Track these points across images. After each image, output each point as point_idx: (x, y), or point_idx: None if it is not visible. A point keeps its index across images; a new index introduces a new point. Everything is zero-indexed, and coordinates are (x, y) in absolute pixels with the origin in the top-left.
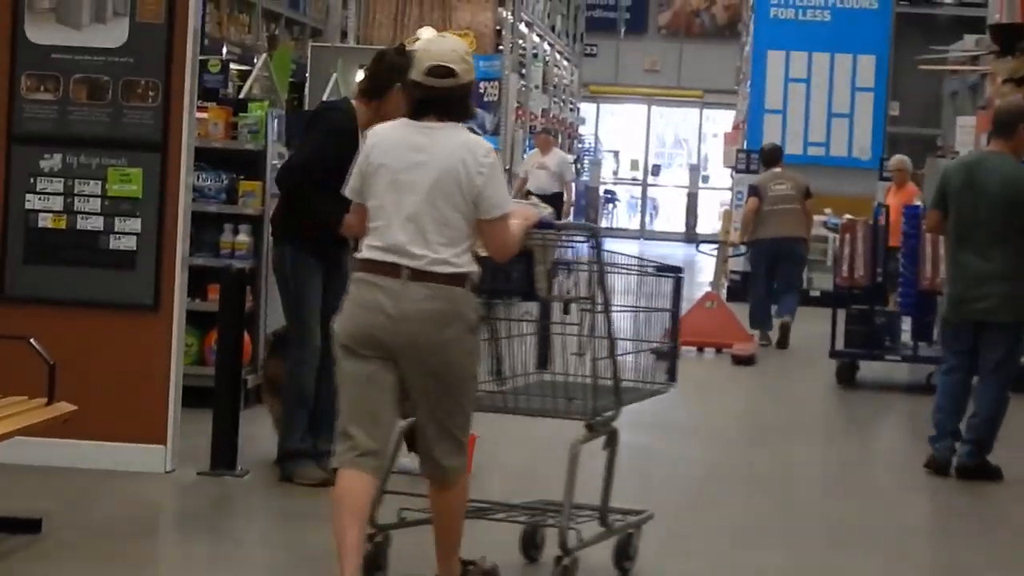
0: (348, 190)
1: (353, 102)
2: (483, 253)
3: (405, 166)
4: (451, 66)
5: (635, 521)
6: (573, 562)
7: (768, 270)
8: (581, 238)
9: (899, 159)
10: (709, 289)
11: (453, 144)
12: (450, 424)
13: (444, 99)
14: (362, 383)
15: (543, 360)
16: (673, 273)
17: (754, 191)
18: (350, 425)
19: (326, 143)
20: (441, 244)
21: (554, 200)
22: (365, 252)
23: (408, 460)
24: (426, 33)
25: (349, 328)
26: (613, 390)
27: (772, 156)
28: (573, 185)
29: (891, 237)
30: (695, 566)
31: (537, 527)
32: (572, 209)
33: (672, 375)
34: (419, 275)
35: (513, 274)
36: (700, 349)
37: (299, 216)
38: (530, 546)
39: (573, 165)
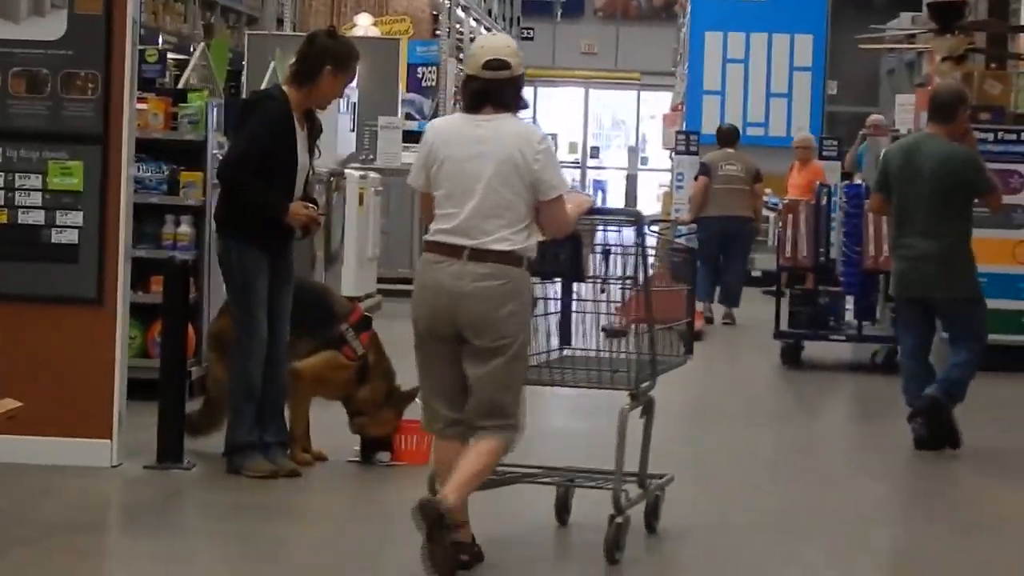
0: (413, 183)
1: (285, 88)
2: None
3: (467, 156)
4: (506, 59)
5: (662, 483)
6: (626, 520)
7: (716, 248)
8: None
9: (805, 136)
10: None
11: (510, 133)
12: (499, 398)
13: (499, 90)
14: (435, 359)
15: (565, 336)
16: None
17: (704, 170)
18: (433, 400)
19: (262, 134)
20: (501, 225)
21: None
22: (432, 236)
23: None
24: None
25: (419, 309)
26: (650, 363)
27: (728, 137)
28: None
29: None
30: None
31: (568, 491)
32: None
33: (689, 348)
34: (478, 254)
35: (561, 256)
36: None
37: (242, 209)
38: (563, 510)
39: None
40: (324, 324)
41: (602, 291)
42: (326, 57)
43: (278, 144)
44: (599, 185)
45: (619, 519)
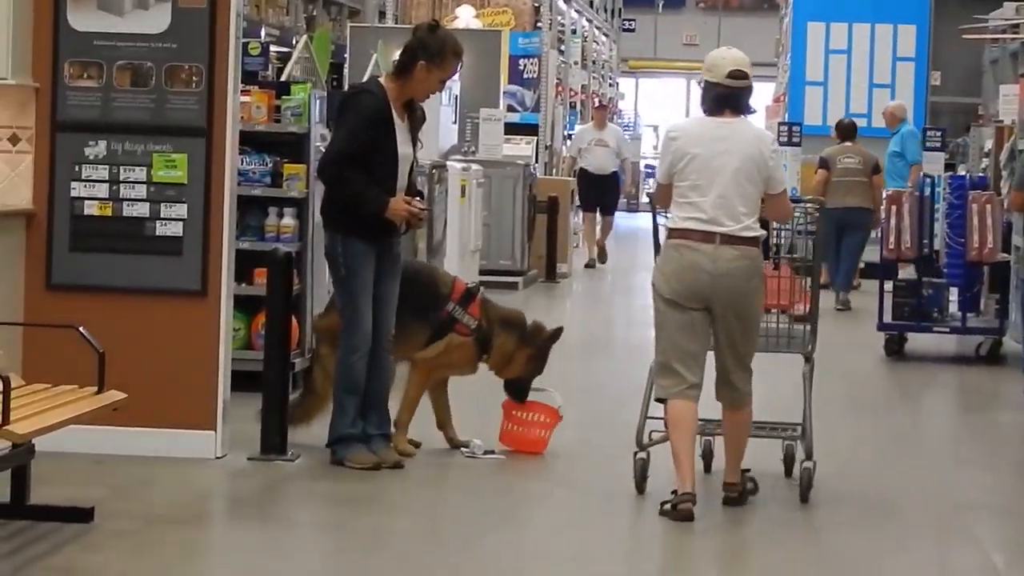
0: (658, 174)
1: (384, 79)
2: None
3: (713, 154)
4: (746, 71)
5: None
6: (814, 465)
7: (834, 238)
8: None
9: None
10: None
11: (750, 135)
12: (746, 356)
13: (739, 97)
14: (686, 330)
15: None
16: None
17: (823, 163)
18: (675, 363)
19: (358, 128)
20: (743, 214)
21: (611, 181)
22: (680, 223)
23: (479, 441)
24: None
25: (675, 285)
26: (812, 330)
27: (847, 130)
28: (629, 162)
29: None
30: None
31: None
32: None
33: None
34: (729, 239)
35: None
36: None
37: (345, 204)
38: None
39: (628, 140)
40: (432, 307)
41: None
42: (420, 51)
43: (376, 136)
44: None
45: (808, 463)
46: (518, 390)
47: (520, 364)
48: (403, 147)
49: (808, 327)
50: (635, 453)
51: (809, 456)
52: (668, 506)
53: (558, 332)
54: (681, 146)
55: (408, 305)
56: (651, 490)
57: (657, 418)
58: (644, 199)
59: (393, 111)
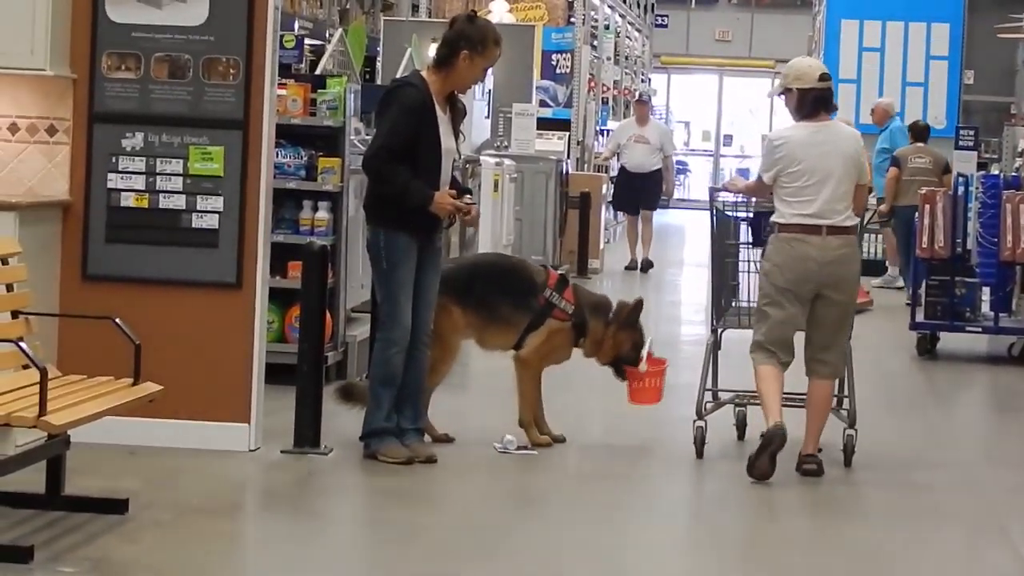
0: (765, 176)
1: (423, 73)
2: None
3: (819, 155)
4: (827, 73)
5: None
6: (856, 433)
7: (908, 235)
8: None
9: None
10: None
11: (844, 135)
12: (842, 334)
13: (829, 98)
14: (788, 323)
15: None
16: None
17: (896, 162)
18: (773, 346)
19: (402, 122)
20: (845, 207)
21: (653, 179)
22: (791, 219)
23: (511, 437)
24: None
25: (788, 275)
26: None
27: (920, 132)
28: (674, 159)
29: None
30: (781, 529)
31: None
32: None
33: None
34: (833, 230)
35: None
36: None
37: (388, 198)
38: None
39: (672, 135)
40: (531, 295)
41: None
42: (461, 40)
43: (419, 130)
44: (743, 173)
45: (851, 431)
46: (624, 365)
47: (611, 346)
48: (446, 140)
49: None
50: (694, 421)
51: (852, 424)
52: (764, 439)
53: (639, 304)
54: (791, 151)
55: (507, 295)
56: (694, 486)
57: (719, 389)
58: (679, 195)
59: (436, 104)
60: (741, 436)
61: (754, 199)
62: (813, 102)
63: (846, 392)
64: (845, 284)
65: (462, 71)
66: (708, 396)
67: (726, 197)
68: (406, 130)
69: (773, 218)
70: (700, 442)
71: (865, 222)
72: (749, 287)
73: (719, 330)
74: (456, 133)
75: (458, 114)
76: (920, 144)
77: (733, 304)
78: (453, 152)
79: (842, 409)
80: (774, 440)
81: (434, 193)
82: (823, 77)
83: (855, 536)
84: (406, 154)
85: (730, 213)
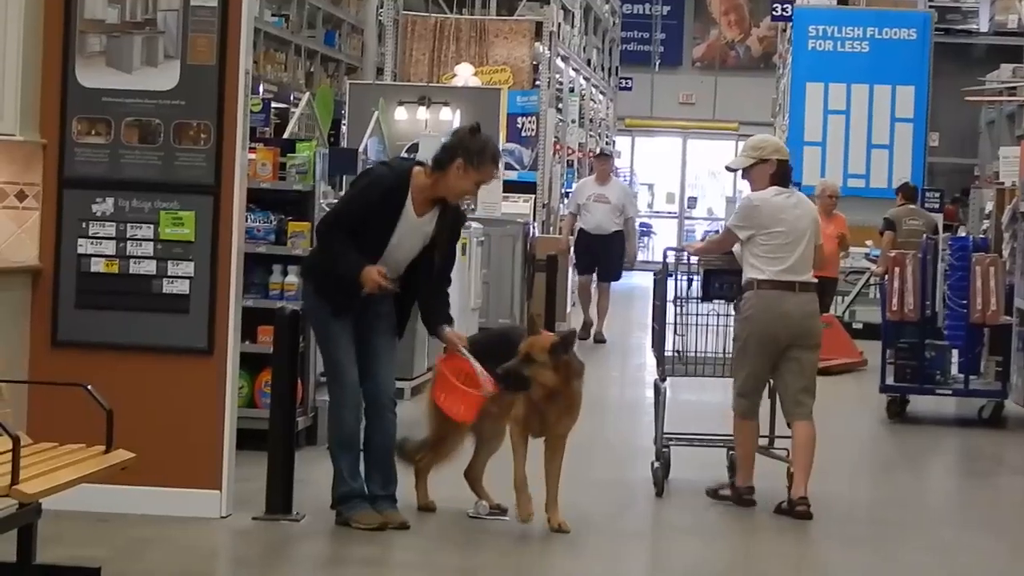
0: (743, 234)
1: (417, 169)
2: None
3: (794, 218)
4: None
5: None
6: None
7: None
8: None
9: (831, 184)
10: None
11: (806, 201)
12: (811, 380)
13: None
14: (766, 368)
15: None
16: None
17: (889, 224)
18: (752, 394)
19: (359, 199)
20: (810, 267)
21: (614, 242)
22: (771, 275)
23: (484, 503)
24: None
25: (772, 325)
26: None
27: (911, 193)
28: (636, 222)
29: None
30: None
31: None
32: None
33: None
34: (804, 286)
35: (725, 285)
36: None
37: (323, 264)
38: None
39: (635, 197)
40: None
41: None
42: (459, 149)
43: (371, 215)
44: (710, 233)
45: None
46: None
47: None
48: (405, 240)
49: None
50: (652, 463)
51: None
52: (727, 492)
53: (570, 335)
54: (772, 213)
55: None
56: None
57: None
58: (643, 258)
59: (410, 202)
60: (665, 475)
61: (700, 259)
62: (786, 175)
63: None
64: (815, 334)
65: (453, 179)
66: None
67: (679, 257)
68: (360, 209)
69: (750, 275)
70: (659, 481)
71: (861, 286)
72: (695, 338)
73: (665, 378)
74: (438, 245)
75: (450, 223)
76: (912, 206)
77: (680, 353)
78: (409, 257)
79: (774, 449)
80: (746, 501)
81: (366, 264)
82: (787, 155)
83: None
84: (354, 229)
85: (681, 271)
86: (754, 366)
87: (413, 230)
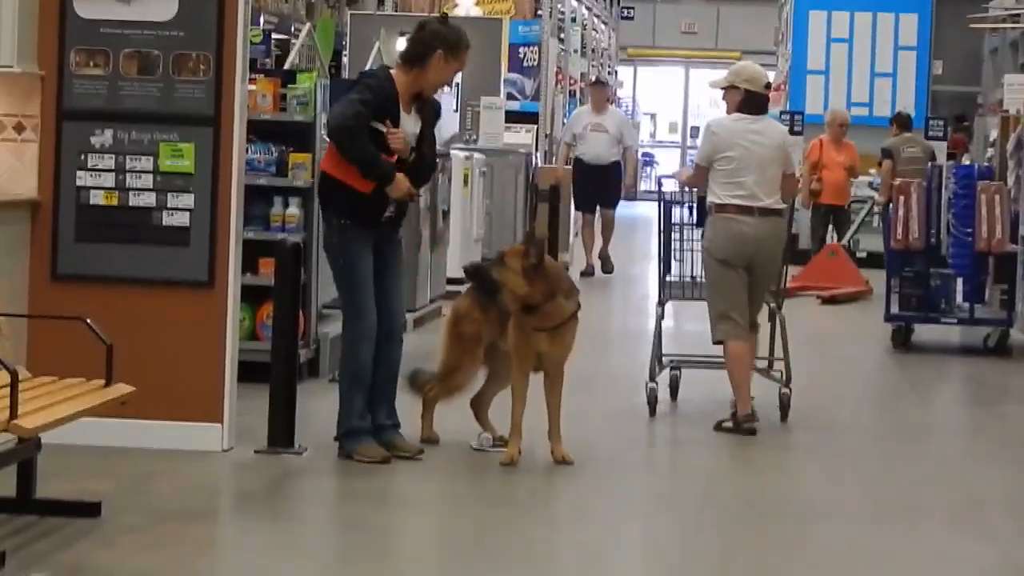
0: (702, 161)
1: (392, 71)
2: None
3: (751, 144)
4: (771, 83)
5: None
6: (790, 391)
7: None
8: None
9: (842, 113)
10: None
11: (773, 129)
12: (763, 297)
13: (765, 104)
14: (737, 285)
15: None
16: None
17: (888, 154)
18: (731, 311)
19: (371, 99)
20: (772, 191)
21: (610, 173)
22: (726, 199)
23: (487, 435)
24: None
25: (728, 249)
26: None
27: (905, 122)
28: (637, 152)
29: (831, 196)
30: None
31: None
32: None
33: None
34: (765, 212)
35: None
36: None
37: (344, 189)
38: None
39: (635, 127)
40: None
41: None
42: (437, 41)
43: (382, 112)
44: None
45: (785, 389)
46: None
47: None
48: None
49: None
50: (646, 383)
51: (787, 383)
52: (729, 424)
53: (540, 242)
54: (725, 139)
55: None
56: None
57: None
58: (646, 187)
59: (399, 101)
60: (674, 396)
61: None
62: (755, 104)
63: (779, 355)
64: (775, 259)
65: (435, 71)
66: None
67: (673, 186)
68: (372, 103)
69: (709, 200)
70: (653, 401)
71: (865, 215)
72: (692, 262)
73: (664, 302)
74: (425, 136)
75: (428, 115)
76: (908, 134)
77: (677, 278)
78: (409, 152)
79: (774, 371)
80: (745, 429)
81: (396, 172)
82: (767, 86)
83: (834, 537)
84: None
85: (675, 199)
86: (722, 288)
87: (408, 129)
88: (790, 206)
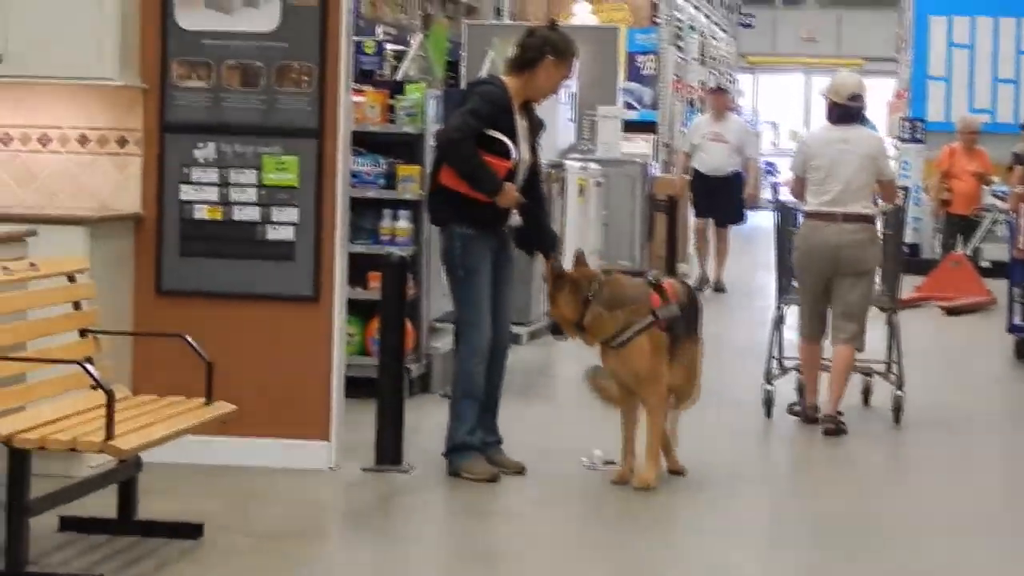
0: (796, 171)
1: (504, 78)
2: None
3: (838, 152)
4: (862, 94)
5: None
6: (904, 394)
7: None
8: None
9: (974, 120)
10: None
11: (864, 137)
12: (858, 307)
13: (854, 113)
14: (817, 293)
15: None
16: None
17: (1019, 159)
18: (808, 320)
19: (484, 108)
20: (860, 198)
21: (730, 185)
22: (814, 207)
23: (599, 452)
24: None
25: (803, 259)
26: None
27: None
28: (760, 162)
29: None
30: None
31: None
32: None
33: None
34: (850, 217)
35: None
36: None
37: (457, 197)
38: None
39: (756, 136)
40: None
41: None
42: (547, 47)
43: (496, 120)
44: None
45: (899, 392)
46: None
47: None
48: (522, 146)
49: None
50: (763, 385)
51: (900, 387)
52: (798, 408)
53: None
54: (813, 148)
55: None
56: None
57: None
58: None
59: (514, 107)
60: (800, 398)
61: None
62: (840, 114)
63: (895, 358)
64: (861, 264)
65: (543, 78)
66: (775, 364)
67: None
68: (486, 112)
69: (802, 208)
70: (769, 403)
71: (988, 224)
72: None
73: (783, 307)
74: (534, 145)
75: (535, 126)
76: None
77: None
78: (526, 162)
79: (891, 374)
80: (809, 418)
81: (503, 182)
82: (852, 97)
83: (953, 555)
84: (480, 137)
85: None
86: (803, 292)
87: (524, 137)
88: (895, 212)
